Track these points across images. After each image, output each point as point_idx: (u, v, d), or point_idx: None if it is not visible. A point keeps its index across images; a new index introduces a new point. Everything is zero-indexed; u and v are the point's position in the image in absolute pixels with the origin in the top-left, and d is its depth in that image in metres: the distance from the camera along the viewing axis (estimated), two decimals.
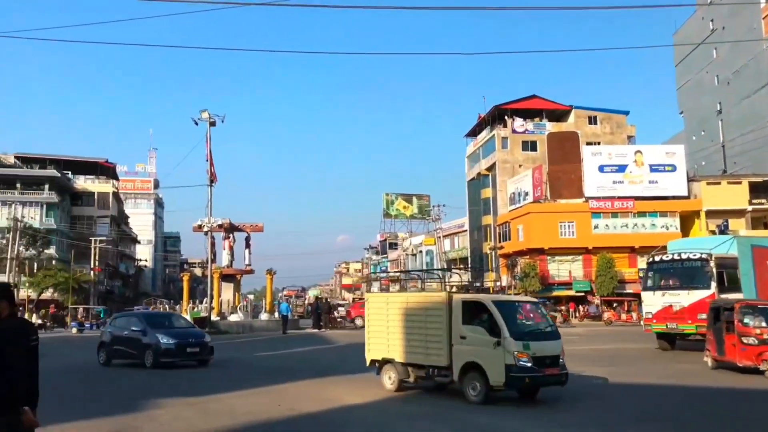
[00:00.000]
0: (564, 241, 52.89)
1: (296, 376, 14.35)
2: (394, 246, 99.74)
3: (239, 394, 11.86)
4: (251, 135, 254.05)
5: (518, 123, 63.80)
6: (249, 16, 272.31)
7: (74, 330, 42.23)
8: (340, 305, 50.03)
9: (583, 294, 51.88)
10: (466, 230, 71.35)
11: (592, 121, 65.02)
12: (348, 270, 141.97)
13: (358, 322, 37.34)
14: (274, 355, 20.99)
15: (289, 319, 35.58)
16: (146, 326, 16.81)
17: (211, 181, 34.54)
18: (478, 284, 65.87)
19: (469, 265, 68.59)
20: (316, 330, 34.91)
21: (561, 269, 53.43)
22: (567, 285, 52.98)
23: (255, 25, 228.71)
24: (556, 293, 52.21)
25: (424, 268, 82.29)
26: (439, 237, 66.99)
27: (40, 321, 44.78)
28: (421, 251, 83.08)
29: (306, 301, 69.78)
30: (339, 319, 38.79)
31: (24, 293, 59.10)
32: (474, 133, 71.96)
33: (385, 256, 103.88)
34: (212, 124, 33.81)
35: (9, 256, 54.93)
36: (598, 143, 61.02)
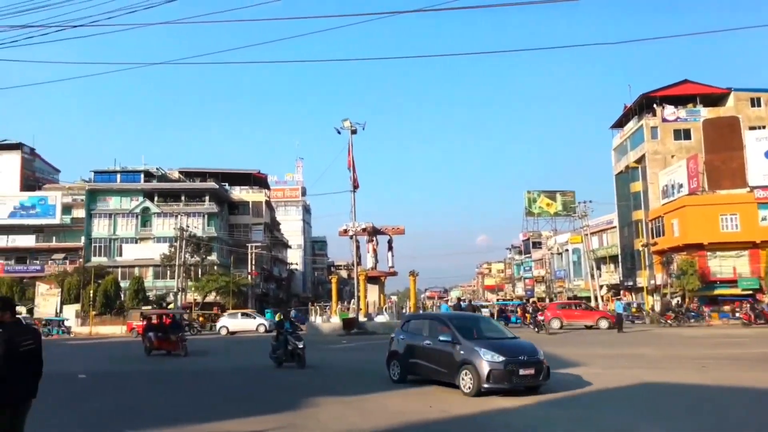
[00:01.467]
0: (726, 236, 48.81)
1: None
2: (537, 245, 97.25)
3: (391, 394, 12.16)
4: (392, 139, 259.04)
5: (669, 111, 59.79)
6: (381, 25, 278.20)
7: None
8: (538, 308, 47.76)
9: (750, 292, 47.38)
10: (615, 226, 68.02)
11: (755, 103, 59.43)
12: (490, 270, 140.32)
13: (555, 324, 35.54)
14: None
15: None
16: (457, 335, 12.46)
17: (354, 187, 35.67)
18: (630, 283, 62.91)
19: (619, 263, 65.41)
20: None
21: (724, 266, 49.30)
22: (731, 283, 48.81)
23: (388, 33, 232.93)
24: (718, 291, 48.35)
25: (571, 266, 79.68)
26: (586, 234, 64.36)
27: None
28: (567, 250, 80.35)
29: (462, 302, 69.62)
30: (541, 321, 34.53)
31: (190, 296, 64.53)
32: (620, 124, 68.43)
33: (528, 255, 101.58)
34: (353, 132, 34.94)
35: (177, 263, 60.17)
36: (764, 127, 55.76)
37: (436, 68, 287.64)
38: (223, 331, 40.97)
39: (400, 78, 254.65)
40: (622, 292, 65.16)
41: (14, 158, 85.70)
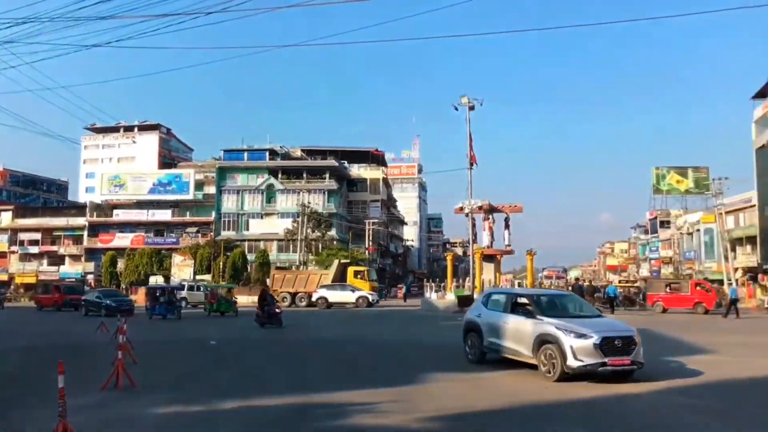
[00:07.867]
0: None
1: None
2: (665, 224, 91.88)
3: (506, 373, 11.90)
4: (510, 114, 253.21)
5: None
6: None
7: None
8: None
9: None
10: (754, 205, 62.79)
11: None
12: (612, 250, 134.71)
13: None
14: None
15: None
16: None
17: (471, 164, 35.35)
18: None
19: (758, 244, 60.62)
20: None
21: None
22: None
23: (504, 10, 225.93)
24: None
25: (702, 248, 74.67)
26: (721, 213, 59.95)
27: None
28: (698, 230, 75.28)
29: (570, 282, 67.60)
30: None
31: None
32: (763, 94, 62.71)
33: (655, 235, 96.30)
34: (471, 108, 34.55)
35: (299, 238, 62.62)
36: None
37: (557, 40, 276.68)
38: None
39: (516, 53, 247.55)
40: (760, 276, 60.34)
41: (153, 138, 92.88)
